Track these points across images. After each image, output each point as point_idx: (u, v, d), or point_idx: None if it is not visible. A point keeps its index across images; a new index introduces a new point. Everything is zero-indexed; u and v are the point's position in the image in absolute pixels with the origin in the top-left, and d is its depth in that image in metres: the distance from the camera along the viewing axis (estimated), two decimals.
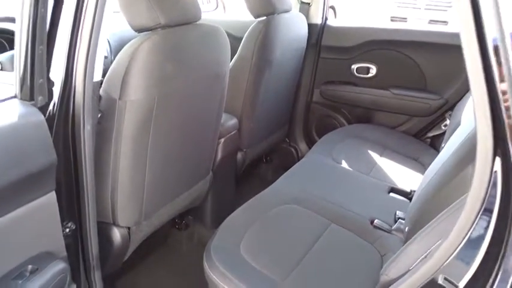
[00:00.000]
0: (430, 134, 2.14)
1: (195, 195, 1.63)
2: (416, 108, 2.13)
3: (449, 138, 1.69)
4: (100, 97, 1.14)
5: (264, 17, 1.82)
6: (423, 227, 1.12)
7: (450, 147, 1.40)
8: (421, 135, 2.17)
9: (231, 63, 1.82)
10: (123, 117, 1.12)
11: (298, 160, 2.48)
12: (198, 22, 1.31)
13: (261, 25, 1.77)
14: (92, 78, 0.99)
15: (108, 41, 1.92)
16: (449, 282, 0.71)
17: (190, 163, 1.52)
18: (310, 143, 2.44)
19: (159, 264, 1.72)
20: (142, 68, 1.10)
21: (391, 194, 1.63)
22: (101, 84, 1.14)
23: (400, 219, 1.43)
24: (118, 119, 1.13)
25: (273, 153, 2.51)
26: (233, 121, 1.85)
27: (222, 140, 1.77)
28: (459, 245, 0.67)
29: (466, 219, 0.65)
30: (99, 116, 1.12)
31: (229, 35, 1.47)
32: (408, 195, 1.63)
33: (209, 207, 1.84)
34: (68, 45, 0.96)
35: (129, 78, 1.09)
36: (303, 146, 2.47)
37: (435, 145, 2.10)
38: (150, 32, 1.15)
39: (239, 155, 1.97)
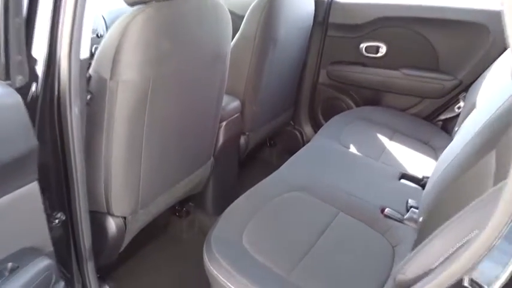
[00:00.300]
0: (442, 117, 2.04)
1: (196, 181, 1.55)
2: (428, 89, 2.02)
3: (463, 121, 1.60)
4: (89, 77, 1.05)
5: None
6: (439, 218, 1.04)
7: (466, 132, 1.31)
8: (433, 118, 2.07)
9: (232, 43, 1.72)
10: (115, 99, 1.03)
11: (304, 144, 2.39)
12: None
13: (264, 2, 1.65)
14: (79, 55, 0.90)
15: (104, 19, 1.82)
16: (478, 285, 0.63)
17: (190, 148, 1.43)
18: (316, 126, 2.35)
19: (158, 253, 1.65)
20: (135, 44, 1.00)
21: (402, 181, 1.54)
22: (91, 63, 1.05)
23: (412, 208, 1.35)
24: (109, 101, 1.04)
25: (277, 136, 2.42)
26: (235, 104, 1.75)
27: (224, 123, 1.68)
28: (493, 244, 0.58)
29: (503, 213, 0.56)
30: (88, 97, 1.03)
31: (231, 12, 1.36)
32: (420, 182, 1.54)
33: (211, 193, 1.76)
34: (51, 18, 0.86)
35: (120, 56, 1.00)
36: (308, 129, 2.37)
37: (447, 128, 2.00)
38: (143, 5, 1.05)
39: (242, 139, 1.88)
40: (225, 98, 1.61)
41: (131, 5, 1.07)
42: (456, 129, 1.79)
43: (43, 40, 0.87)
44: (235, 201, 1.31)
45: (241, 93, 1.78)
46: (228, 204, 1.31)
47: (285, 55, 1.88)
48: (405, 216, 1.32)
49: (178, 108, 1.25)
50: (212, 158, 1.62)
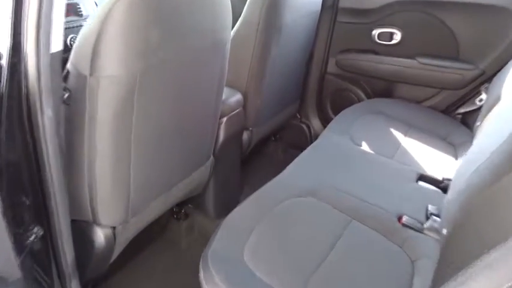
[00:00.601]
0: (462, 110, 1.88)
1: (194, 184, 1.42)
2: (446, 79, 1.86)
3: (486, 115, 1.45)
4: (67, 73, 0.91)
5: None
6: (468, 233, 0.91)
7: (493, 128, 1.17)
8: (451, 111, 1.92)
9: (233, 30, 1.57)
10: (96, 97, 0.90)
11: (311, 138, 2.26)
12: None
13: None
14: (49, 48, 0.76)
15: (96, 4, 1.67)
16: None
17: (187, 148, 1.30)
18: (324, 120, 2.21)
19: (154, 259, 1.54)
20: (118, 34, 0.86)
21: (420, 183, 1.40)
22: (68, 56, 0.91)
23: (433, 216, 1.21)
24: (90, 100, 0.91)
25: (282, 130, 2.28)
26: (237, 97, 1.61)
27: (225, 119, 1.54)
28: None
29: None
30: (65, 96, 0.90)
31: None
32: (440, 184, 1.40)
33: (211, 194, 1.63)
34: (13, 6, 0.73)
35: (101, 47, 0.86)
36: (315, 122, 2.23)
37: (467, 123, 1.85)
38: None
39: (244, 135, 1.74)
40: (226, 91, 1.47)
41: None
42: (478, 123, 1.64)
43: (5, 32, 0.74)
44: (236, 209, 1.18)
45: (244, 85, 1.63)
46: (230, 206, 1.18)
47: (291, 43, 1.73)
48: (425, 225, 1.18)
49: (171, 104, 1.12)
50: (212, 157, 1.49)
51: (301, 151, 1.51)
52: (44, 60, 0.75)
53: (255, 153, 2.07)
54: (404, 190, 1.35)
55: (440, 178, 1.42)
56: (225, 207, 1.71)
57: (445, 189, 1.35)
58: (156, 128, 1.09)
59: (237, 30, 1.57)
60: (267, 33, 1.55)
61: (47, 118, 0.79)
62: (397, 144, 1.63)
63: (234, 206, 1.19)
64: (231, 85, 1.61)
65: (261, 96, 1.68)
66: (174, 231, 1.64)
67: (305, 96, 2.18)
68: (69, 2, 1.62)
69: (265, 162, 2.16)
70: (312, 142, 2.24)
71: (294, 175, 1.36)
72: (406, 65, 1.93)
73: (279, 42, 1.61)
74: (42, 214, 0.91)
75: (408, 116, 1.83)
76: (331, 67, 2.11)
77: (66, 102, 0.90)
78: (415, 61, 1.90)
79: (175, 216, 1.64)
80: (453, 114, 1.91)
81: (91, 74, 0.88)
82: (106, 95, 0.90)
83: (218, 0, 1.14)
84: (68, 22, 1.50)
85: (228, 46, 1.27)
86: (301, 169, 1.40)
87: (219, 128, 1.51)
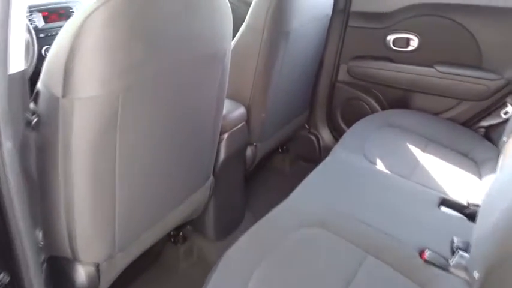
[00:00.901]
0: (485, 123, 1.73)
1: (192, 207, 1.29)
2: (468, 90, 1.71)
3: None
4: (37, 93, 0.79)
5: None
6: (509, 279, 0.77)
7: None
8: (473, 124, 1.76)
9: (236, 36, 1.44)
10: (70, 123, 0.77)
11: (320, 150, 2.11)
12: None
13: None
14: (6, 68, 0.63)
15: None
16: None
17: (183, 171, 1.17)
18: (335, 130, 2.07)
19: (150, 287, 1.41)
20: (94, 49, 0.73)
21: (443, 209, 1.26)
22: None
23: (459, 250, 1.07)
24: (63, 126, 0.78)
25: (290, 141, 2.14)
26: (240, 111, 1.48)
27: (226, 135, 1.41)
28: None
29: None
30: (34, 121, 0.77)
31: None
32: (465, 210, 1.25)
33: (211, 215, 1.50)
34: None
35: (74, 65, 0.73)
36: (325, 133, 2.09)
37: (491, 137, 1.70)
38: None
39: (248, 151, 1.60)
40: (227, 105, 1.34)
41: None
42: (504, 139, 1.49)
43: None
44: (237, 243, 1.04)
45: (247, 97, 1.50)
46: (232, 227, 1.05)
47: (299, 50, 1.59)
48: (451, 262, 1.03)
49: (163, 124, 0.98)
50: (212, 177, 1.36)
51: (310, 163, 1.37)
52: (1, 84, 0.62)
53: (259, 167, 1.94)
54: (425, 218, 1.20)
55: (465, 203, 1.27)
56: (227, 228, 1.58)
57: (471, 217, 1.21)
58: (145, 153, 0.96)
59: (240, 38, 1.43)
60: (272, 39, 1.41)
61: (6, 151, 0.66)
62: (415, 162, 1.48)
63: (236, 227, 1.05)
64: (233, 97, 1.47)
65: (266, 108, 1.54)
66: (171, 255, 1.51)
67: (314, 106, 2.04)
68: (61, 5, 1.50)
69: (271, 177, 2.02)
70: (321, 154, 2.11)
71: (301, 200, 1.22)
72: (424, 74, 1.78)
73: (286, 49, 1.48)
74: (9, 259, 0.78)
75: (426, 129, 1.69)
76: (342, 75, 1.97)
77: (34, 128, 0.77)
78: (434, 69, 1.76)
79: (172, 239, 1.51)
80: (475, 128, 1.75)
81: (64, 96, 0.75)
82: (82, 120, 0.77)
83: (217, 6, 1.01)
84: (57, 28, 1.38)
85: (229, 56, 1.14)
86: (309, 193, 1.26)
87: (219, 145, 1.38)
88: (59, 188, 0.85)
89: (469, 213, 1.22)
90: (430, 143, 1.62)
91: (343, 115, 2.04)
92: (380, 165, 1.44)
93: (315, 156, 2.11)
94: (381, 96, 1.94)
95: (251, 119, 1.53)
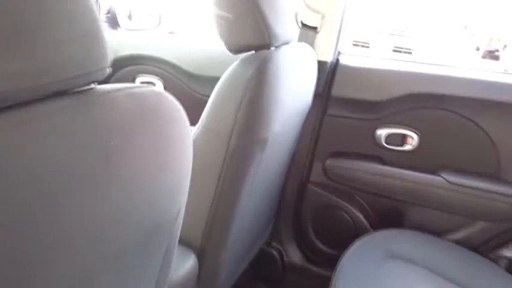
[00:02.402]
0: (508, 254, 1.33)
1: None
2: (482, 207, 1.31)
3: None
4: None
5: (252, 52, 0.93)
6: None
7: None
8: (490, 251, 1.36)
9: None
10: None
11: (284, 268, 1.59)
12: None
13: (250, 68, 0.86)
14: None
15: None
16: None
17: None
18: (304, 245, 1.56)
19: None
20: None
21: None
22: None
23: None
24: None
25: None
26: (188, 263, 0.90)
27: None
28: None
29: None
30: None
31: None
32: None
33: None
34: None
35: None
36: (291, 248, 1.57)
37: None
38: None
39: None
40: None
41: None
42: None
43: None
44: None
45: (199, 238, 0.93)
46: None
47: (275, 156, 1.09)
48: None
49: None
50: None
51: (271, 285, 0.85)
52: None
53: None
54: None
55: None
56: None
57: None
58: None
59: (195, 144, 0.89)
60: (243, 153, 0.89)
61: None
62: None
63: None
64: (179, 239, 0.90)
65: (225, 249, 0.98)
66: None
67: (279, 214, 1.52)
68: None
69: None
70: (285, 274, 1.59)
71: None
72: (426, 183, 1.36)
73: (260, 162, 0.96)
74: None
75: (437, 261, 1.24)
76: (317, 175, 1.49)
77: None
78: (439, 178, 1.34)
79: None
80: (493, 257, 1.34)
81: None
82: None
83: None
84: None
85: None
86: None
87: None
88: None
89: None
90: (438, 278, 1.17)
91: (315, 226, 1.54)
92: None
93: (276, 275, 1.57)
94: (365, 204, 1.48)
95: (203, 270, 0.95)
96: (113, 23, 1.59)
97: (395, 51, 5.46)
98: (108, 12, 1.57)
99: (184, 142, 0.54)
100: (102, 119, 0.42)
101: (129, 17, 1.62)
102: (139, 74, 1.65)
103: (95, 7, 0.43)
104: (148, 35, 1.74)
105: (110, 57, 0.44)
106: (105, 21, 1.57)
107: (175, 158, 0.53)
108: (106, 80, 0.44)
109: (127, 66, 1.65)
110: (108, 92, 0.44)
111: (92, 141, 0.41)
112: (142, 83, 1.65)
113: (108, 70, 0.44)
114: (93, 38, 0.42)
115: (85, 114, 0.41)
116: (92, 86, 0.44)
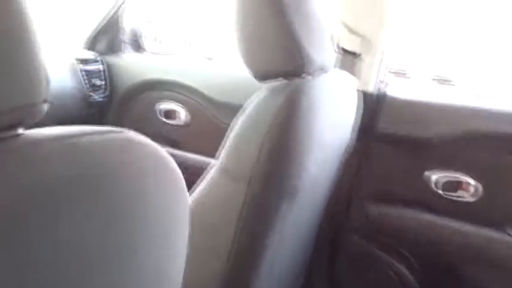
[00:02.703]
0: None
1: None
2: None
3: None
4: None
5: (282, 81, 0.77)
6: None
7: None
8: None
9: (199, 190, 0.75)
10: None
11: None
12: None
13: (278, 100, 0.71)
14: None
15: None
16: None
17: None
18: None
19: None
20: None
21: None
22: None
23: None
24: None
25: None
26: None
27: None
28: None
29: None
30: None
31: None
32: None
33: None
34: None
35: None
36: None
37: None
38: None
39: None
40: None
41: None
42: None
43: None
44: None
45: None
46: None
47: (308, 205, 0.91)
48: None
49: None
50: None
51: None
52: None
53: None
54: None
55: None
56: None
57: None
58: None
59: (208, 192, 0.73)
60: (266, 201, 0.72)
61: None
62: None
63: None
64: None
65: None
66: None
67: (311, 266, 1.32)
68: None
69: None
70: None
71: None
72: (488, 238, 1.13)
73: (289, 213, 0.78)
74: None
75: None
76: (356, 222, 1.29)
77: None
78: (506, 235, 1.11)
79: None
80: None
81: None
82: None
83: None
84: None
85: None
86: None
87: None
88: None
89: None
90: None
91: (352, 280, 1.33)
92: None
93: None
94: (413, 258, 1.26)
95: None
96: (136, 45, 1.49)
97: (436, 80, 5.17)
98: (131, 34, 1.48)
99: (162, 223, 0.38)
100: (23, 182, 0.26)
101: (156, 39, 1.52)
102: (163, 100, 1.53)
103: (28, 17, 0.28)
104: (176, 59, 1.63)
105: (46, 89, 0.28)
106: (128, 43, 1.48)
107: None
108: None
109: (150, 91, 1.54)
110: (41, 140, 0.28)
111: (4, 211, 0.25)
112: (165, 111, 1.54)
113: (45, 107, 0.29)
114: (20, 63, 0.27)
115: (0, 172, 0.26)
116: (19, 131, 0.28)
